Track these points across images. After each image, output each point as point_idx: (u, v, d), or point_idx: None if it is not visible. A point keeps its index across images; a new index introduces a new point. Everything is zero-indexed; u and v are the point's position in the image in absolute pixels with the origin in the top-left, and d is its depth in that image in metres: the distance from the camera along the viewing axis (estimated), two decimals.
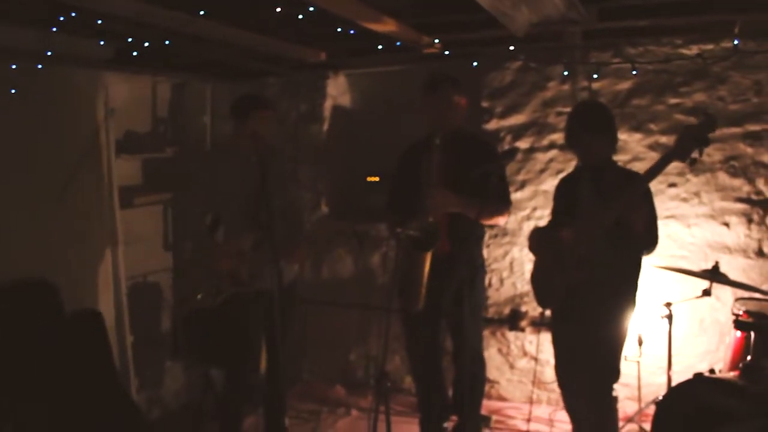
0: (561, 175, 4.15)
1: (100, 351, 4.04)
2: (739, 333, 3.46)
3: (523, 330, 4.48)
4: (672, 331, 3.46)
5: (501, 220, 3.63)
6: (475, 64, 4.27)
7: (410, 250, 3.31)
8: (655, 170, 2.86)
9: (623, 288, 3.11)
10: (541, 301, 3.33)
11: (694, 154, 2.79)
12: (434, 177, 3.45)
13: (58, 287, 3.81)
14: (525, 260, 4.46)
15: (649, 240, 2.99)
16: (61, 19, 3.21)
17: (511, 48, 4.14)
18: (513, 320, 4.49)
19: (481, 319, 3.74)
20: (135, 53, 3.99)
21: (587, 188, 3.11)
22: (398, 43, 3.91)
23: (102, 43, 3.97)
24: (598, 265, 2.96)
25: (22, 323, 3.61)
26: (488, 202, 3.12)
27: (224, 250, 3.55)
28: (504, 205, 3.56)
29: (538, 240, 3.33)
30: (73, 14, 3.11)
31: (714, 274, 3.34)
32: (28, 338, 3.61)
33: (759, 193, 4.00)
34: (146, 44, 3.75)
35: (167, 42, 3.69)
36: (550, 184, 4.36)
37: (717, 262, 3.38)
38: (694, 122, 2.84)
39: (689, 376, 2.99)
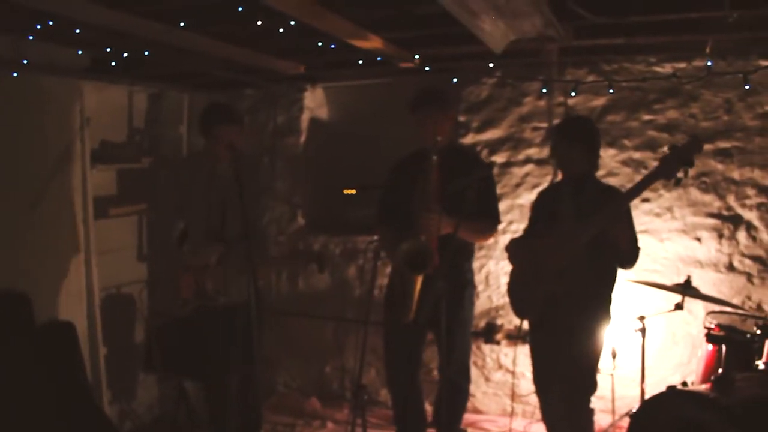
0: (537, 189, 4.20)
1: (72, 363, 3.98)
2: (710, 346, 3.52)
3: (498, 343, 4.51)
4: (645, 344, 3.50)
5: (485, 237, 3.65)
6: (455, 80, 4.30)
7: (404, 269, 3.30)
8: (640, 187, 2.92)
9: (600, 300, 3.17)
10: (519, 312, 3.37)
11: (680, 174, 2.84)
12: (430, 197, 3.38)
13: (30, 298, 3.75)
14: (500, 273, 4.49)
15: (633, 255, 3.06)
16: (38, 27, 3.18)
17: (491, 65, 4.19)
18: (488, 333, 4.52)
19: (469, 333, 3.72)
20: (112, 63, 3.97)
21: (568, 200, 3.16)
22: (378, 58, 3.93)
23: (79, 52, 3.94)
24: (577, 277, 3.01)
25: None
26: (475, 220, 3.15)
27: (189, 262, 3.54)
28: (489, 223, 3.55)
29: (516, 250, 3.36)
30: (50, 22, 3.09)
31: (686, 288, 3.40)
32: None
33: (729, 208, 4.08)
34: (124, 54, 3.73)
35: (146, 52, 3.67)
36: (526, 198, 4.41)
37: (689, 276, 3.44)
38: (678, 142, 2.91)
39: (662, 388, 3.02)
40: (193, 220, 3.64)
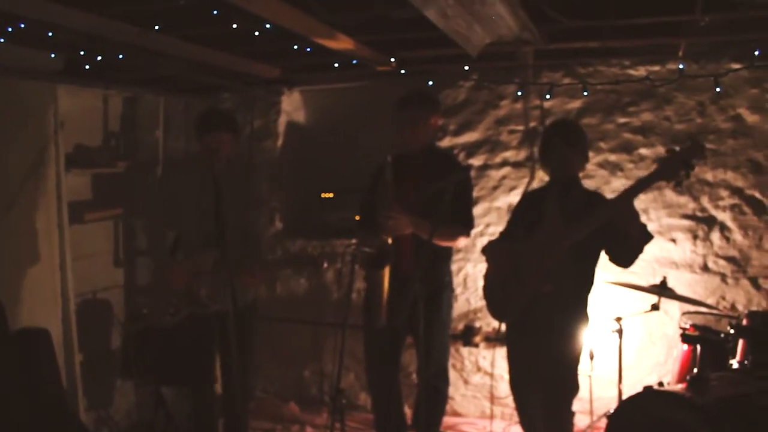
0: (515, 192, 4.23)
1: (47, 370, 3.93)
2: (686, 346, 3.56)
3: (477, 345, 4.52)
4: (622, 345, 3.53)
5: (459, 241, 3.59)
6: (430, 83, 4.31)
7: (366, 268, 3.32)
8: (638, 189, 2.91)
9: (580, 302, 3.17)
10: (497, 314, 3.35)
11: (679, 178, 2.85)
12: (389, 196, 3.42)
13: (3, 304, 3.70)
14: (478, 276, 4.50)
15: (643, 243, 2.99)
16: (10, 30, 3.14)
17: (466, 68, 4.21)
18: (467, 336, 4.53)
19: (448, 336, 3.71)
20: (86, 66, 3.93)
21: (554, 203, 3.15)
22: (354, 61, 3.93)
23: (53, 55, 3.90)
24: (561, 278, 3.00)
25: None
26: (442, 223, 3.12)
27: (182, 268, 3.51)
28: (460, 227, 3.52)
29: (495, 251, 3.34)
30: (22, 25, 3.05)
31: (662, 289, 3.43)
32: None
33: (703, 210, 4.13)
34: (98, 57, 3.70)
35: (120, 56, 3.64)
36: (503, 200, 4.43)
37: (665, 277, 3.48)
38: (679, 145, 2.91)
39: (639, 389, 3.05)
40: (186, 226, 3.63)
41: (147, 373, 4.34)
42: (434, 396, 3.62)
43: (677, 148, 2.86)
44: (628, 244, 2.96)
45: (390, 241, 3.37)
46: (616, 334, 3.52)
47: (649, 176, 2.91)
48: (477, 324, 4.55)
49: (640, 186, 2.92)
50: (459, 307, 4.56)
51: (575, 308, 3.16)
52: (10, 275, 3.95)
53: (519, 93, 4.35)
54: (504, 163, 4.50)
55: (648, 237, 3.00)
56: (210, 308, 3.48)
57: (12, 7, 2.72)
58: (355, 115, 4.96)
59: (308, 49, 3.56)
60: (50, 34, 3.19)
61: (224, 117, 3.69)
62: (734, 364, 3.29)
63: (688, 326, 3.55)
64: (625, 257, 3.07)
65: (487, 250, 3.39)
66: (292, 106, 5.20)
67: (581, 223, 2.95)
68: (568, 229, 2.98)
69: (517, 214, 3.43)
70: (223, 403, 3.73)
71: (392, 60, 4.02)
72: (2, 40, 3.39)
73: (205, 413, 3.71)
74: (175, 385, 4.41)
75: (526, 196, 3.56)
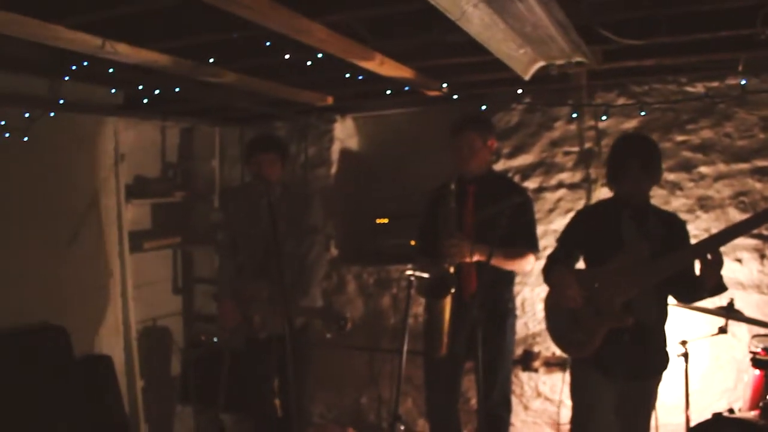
0: (570, 214, 4.14)
1: (110, 395, 4.02)
2: (757, 371, 3.42)
3: (536, 371, 4.43)
4: (689, 369, 3.41)
5: (526, 264, 3.46)
6: (483, 107, 4.28)
7: (427, 296, 3.28)
8: (751, 225, 2.70)
9: (663, 338, 2.95)
10: (567, 347, 3.07)
11: None
12: (451, 223, 3.34)
13: (69, 331, 3.81)
14: (536, 300, 4.43)
15: (716, 293, 2.78)
16: (74, 68, 3.26)
17: (519, 91, 4.17)
18: (526, 361, 4.44)
19: (511, 363, 3.63)
20: (144, 99, 4.04)
21: (630, 228, 2.90)
22: (406, 87, 3.94)
23: (113, 90, 4.03)
24: (642, 311, 2.80)
25: (33, 366, 3.62)
26: (506, 246, 3.05)
27: (234, 306, 3.57)
28: (526, 249, 3.42)
29: (562, 277, 2.98)
30: (85, 63, 3.16)
31: (729, 311, 3.31)
32: (39, 381, 3.60)
33: None
34: (156, 91, 3.80)
35: (176, 88, 3.73)
36: (559, 223, 4.35)
37: (732, 299, 3.35)
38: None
39: (707, 415, 2.93)
40: (242, 254, 3.70)
41: (206, 399, 4.38)
42: (497, 424, 3.54)
43: None
44: (700, 292, 2.77)
45: (452, 270, 3.28)
46: (682, 358, 3.40)
47: (756, 216, 2.70)
48: (536, 349, 4.47)
49: (743, 227, 2.71)
50: (517, 332, 4.47)
51: (659, 345, 2.95)
52: (74, 303, 4.06)
53: (574, 115, 4.29)
54: (560, 185, 4.44)
55: (723, 290, 2.78)
56: (261, 335, 3.51)
57: (75, 46, 2.83)
58: (407, 140, 4.97)
59: (360, 77, 3.58)
60: (110, 70, 3.29)
61: (270, 138, 3.78)
62: None
63: (759, 350, 3.41)
64: (690, 299, 2.93)
65: (549, 274, 3.09)
66: (345, 133, 5.24)
67: (672, 259, 2.72)
68: (658, 265, 2.73)
69: (573, 232, 3.17)
70: (279, 427, 3.74)
71: (444, 85, 4.02)
72: (66, 78, 3.51)
73: None
74: (233, 411, 4.43)
75: (584, 215, 3.30)
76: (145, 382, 4.52)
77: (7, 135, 3.31)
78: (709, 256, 2.64)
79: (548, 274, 3.09)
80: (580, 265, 3.15)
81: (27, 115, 3.47)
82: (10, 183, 3.72)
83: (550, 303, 3.14)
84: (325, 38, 2.88)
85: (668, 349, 2.98)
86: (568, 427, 4.18)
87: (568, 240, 3.17)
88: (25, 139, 3.41)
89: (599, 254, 2.96)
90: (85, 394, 3.82)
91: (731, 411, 2.98)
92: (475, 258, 3.27)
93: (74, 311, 4.02)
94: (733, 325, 3.53)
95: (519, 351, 4.48)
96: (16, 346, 3.60)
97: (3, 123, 3.28)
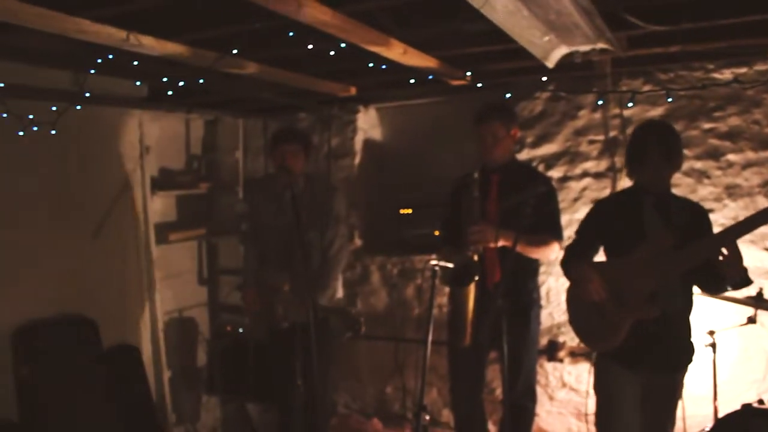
0: None
1: (138, 385, 4.07)
2: None
3: (561, 361, 4.41)
4: (717, 360, 3.37)
5: (550, 252, 3.44)
6: (507, 95, 4.25)
7: (450, 285, 3.27)
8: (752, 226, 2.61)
9: (688, 330, 2.89)
10: (590, 341, 3.04)
11: None
12: (475, 212, 3.36)
13: (97, 323, 3.87)
14: (561, 290, 4.40)
15: (741, 286, 2.72)
16: (99, 61, 3.28)
17: (543, 79, 4.14)
18: (551, 351, 4.42)
19: (536, 353, 3.63)
20: (169, 92, 4.07)
21: (653, 217, 2.84)
22: (430, 77, 3.93)
23: (138, 83, 4.06)
24: (669, 300, 2.75)
25: (63, 357, 3.67)
26: (528, 235, 3.03)
27: (256, 294, 3.60)
28: (550, 236, 3.40)
29: (582, 269, 2.94)
30: (110, 56, 3.18)
31: (758, 301, 3.25)
32: (69, 371, 3.66)
33: None
34: (180, 83, 3.82)
35: (200, 80, 3.75)
36: (584, 212, 4.29)
37: (761, 288, 3.29)
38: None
39: (736, 406, 2.90)
40: (265, 245, 3.72)
41: (232, 389, 4.43)
42: (522, 414, 3.54)
43: None
44: (723, 284, 2.70)
45: (476, 258, 3.28)
46: (710, 349, 3.36)
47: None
48: (561, 339, 4.44)
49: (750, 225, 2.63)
50: (542, 322, 4.45)
51: (684, 336, 2.90)
52: (101, 295, 4.11)
53: (599, 102, 4.24)
54: (584, 174, 4.40)
55: (748, 283, 2.71)
56: (282, 326, 3.53)
57: (102, 40, 2.85)
58: (431, 130, 4.96)
59: (383, 67, 3.58)
60: (135, 63, 3.32)
61: (293, 130, 3.80)
62: None
63: None
64: (714, 290, 2.87)
65: (570, 267, 3.07)
66: (368, 124, 5.24)
67: (696, 249, 2.66)
68: (682, 256, 2.68)
69: (593, 224, 3.12)
70: (305, 415, 3.76)
71: (468, 74, 3.99)
72: (91, 71, 3.54)
73: (290, 427, 3.74)
74: (259, 401, 4.47)
75: (603, 205, 3.22)
76: (171, 373, 4.57)
77: (35, 128, 3.35)
78: (725, 251, 2.58)
79: (568, 267, 3.07)
80: (599, 257, 3.12)
81: (54, 108, 3.51)
82: (39, 176, 3.77)
83: (571, 297, 3.11)
84: (348, 28, 2.87)
85: (693, 340, 2.94)
86: (593, 417, 4.18)
87: (587, 232, 3.13)
88: (53, 132, 3.45)
89: (621, 245, 2.91)
90: (113, 384, 3.87)
91: (761, 402, 2.94)
92: (501, 243, 3.24)
93: (101, 303, 4.07)
94: (763, 315, 3.48)
95: (544, 341, 4.46)
96: (46, 336, 3.66)
97: (31, 117, 3.32)
